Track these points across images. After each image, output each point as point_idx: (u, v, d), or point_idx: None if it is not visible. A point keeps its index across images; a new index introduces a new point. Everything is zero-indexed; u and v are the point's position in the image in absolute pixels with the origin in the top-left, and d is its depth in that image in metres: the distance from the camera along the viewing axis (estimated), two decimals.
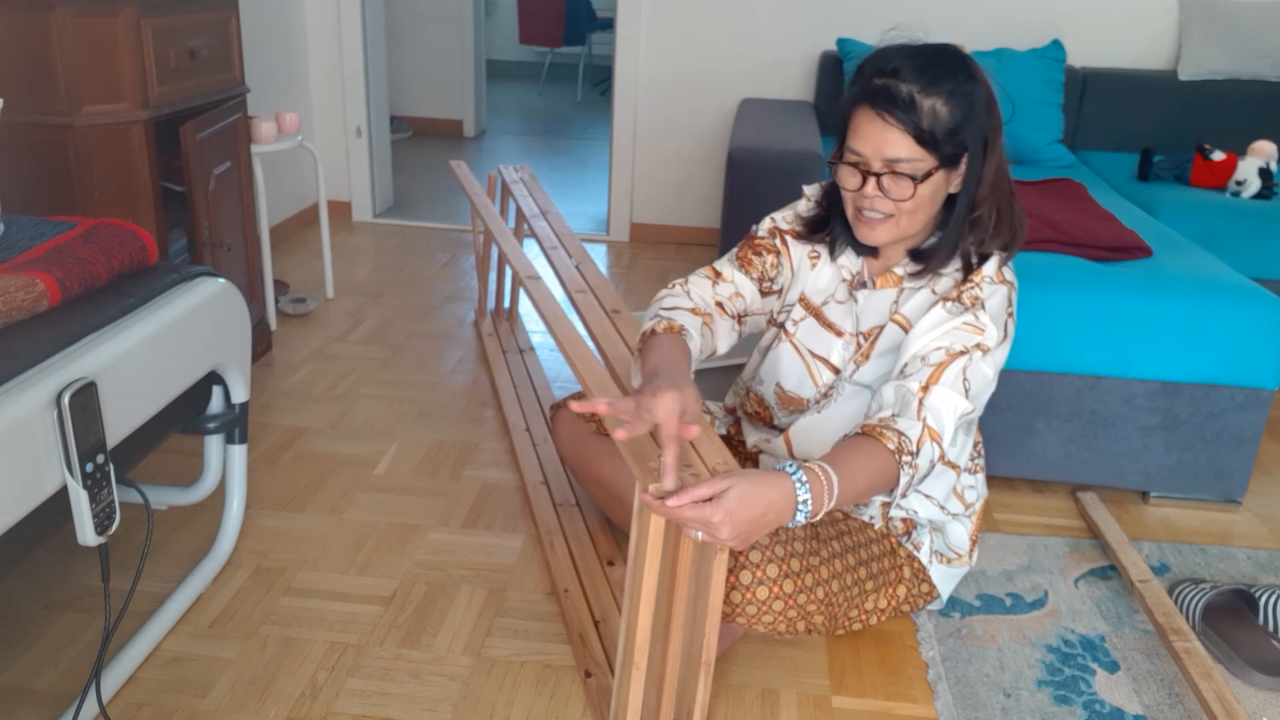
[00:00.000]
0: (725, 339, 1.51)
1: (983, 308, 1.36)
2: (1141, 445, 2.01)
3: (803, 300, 1.55)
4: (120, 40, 2.05)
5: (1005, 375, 1.98)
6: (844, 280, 1.51)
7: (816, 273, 1.54)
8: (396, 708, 1.45)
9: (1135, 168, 3.05)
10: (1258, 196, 2.79)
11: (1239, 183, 2.81)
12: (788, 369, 1.56)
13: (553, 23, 6.87)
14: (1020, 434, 2.03)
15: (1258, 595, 1.68)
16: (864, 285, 1.49)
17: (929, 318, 1.37)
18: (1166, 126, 3.25)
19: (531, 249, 3.52)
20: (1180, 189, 2.88)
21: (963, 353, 1.33)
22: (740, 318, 1.54)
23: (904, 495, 1.28)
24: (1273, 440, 2.39)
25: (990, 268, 1.39)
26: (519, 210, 2.49)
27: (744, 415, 1.71)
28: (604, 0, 7.16)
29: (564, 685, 1.51)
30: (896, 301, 1.46)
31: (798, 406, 1.56)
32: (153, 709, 1.43)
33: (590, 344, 1.60)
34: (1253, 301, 1.91)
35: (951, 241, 1.40)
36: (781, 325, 1.58)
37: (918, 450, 1.26)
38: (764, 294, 1.56)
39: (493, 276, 2.99)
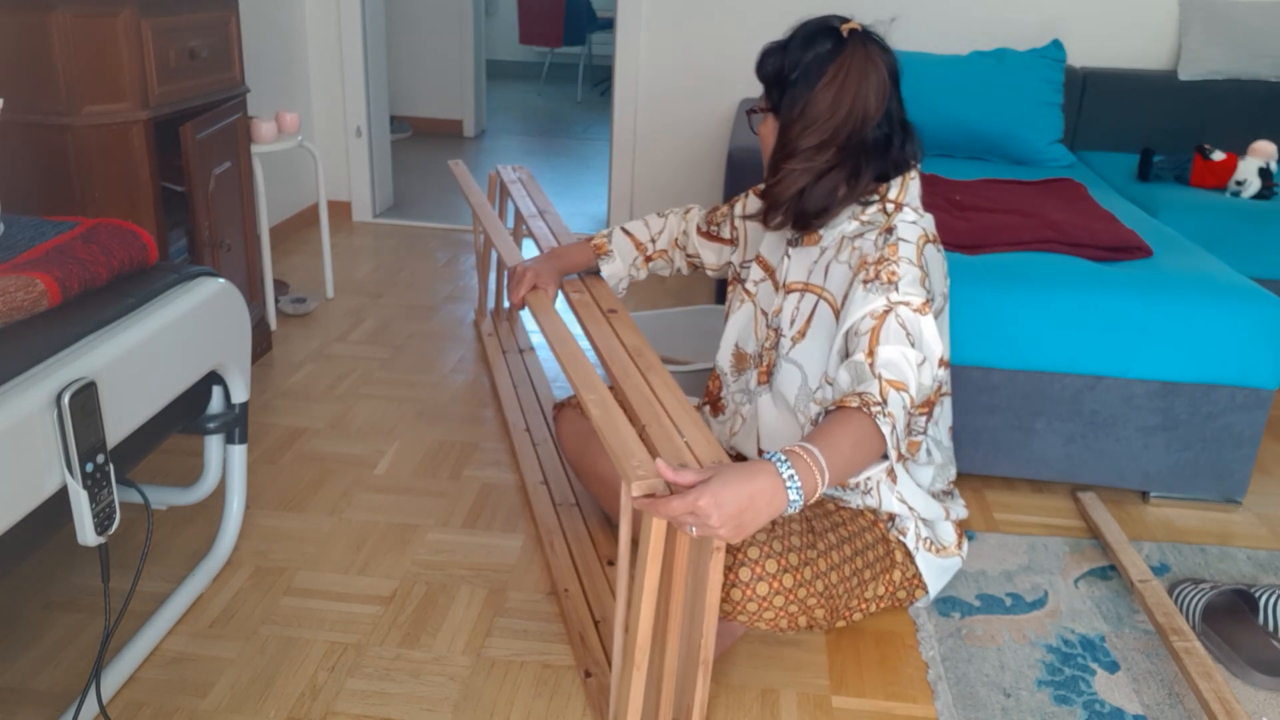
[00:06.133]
0: (665, 271, 1.89)
1: (897, 289, 1.37)
2: (1141, 445, 2.01)
3: (760, 260, 1.65)
4: (120, 40, 2.05)
5: (1005, 375, 1.98)
6: (787, 240, 1.59)
7: (767, 237, 1.65)
8: (396, 708, 1.45)
9: (1135, 168, 3.05)
10: (1258, 196, 2.79)
11: (1239, 183, 2.81)
12: (744, 328, 1.65)
13: (553, 23, 6.87)
14: (1020, 434, 2.03)
15: (1258, 595, 1.68)
16: (796, 244, 1.56)
17: (852, 300, 1.41)
18: (1166, 126, 3.25)
19: (530, 250, 3.52)
20: (1180, 189, 2.88)
21: (887, 310, 1.36)
22: (689, 255, 1.85)
23: (899, 454, 1.28)
24: (1273, 440, 2.39)
25: (907, 248, 1.42)
26: (517, 210, 2.49)
27: (706, 411, 1.77)
28: (604, 0, 7.16)
29: (564, 685, 1.51)
30: (817, 261, 1.52)
31: (744, 365, 1.66)
32: (153, 709, 1.43)
33: (586, 344, 1.61)
34: (1253, 301, 1.91)
35: (796, 187, 1.44)
36: (743, 283, 1.68)
37: (884, 400, 1.26)
38: (704, 236, 1.81)
39: (493, 276, 2.99)
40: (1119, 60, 3.39)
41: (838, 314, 1.46)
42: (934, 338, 1.36)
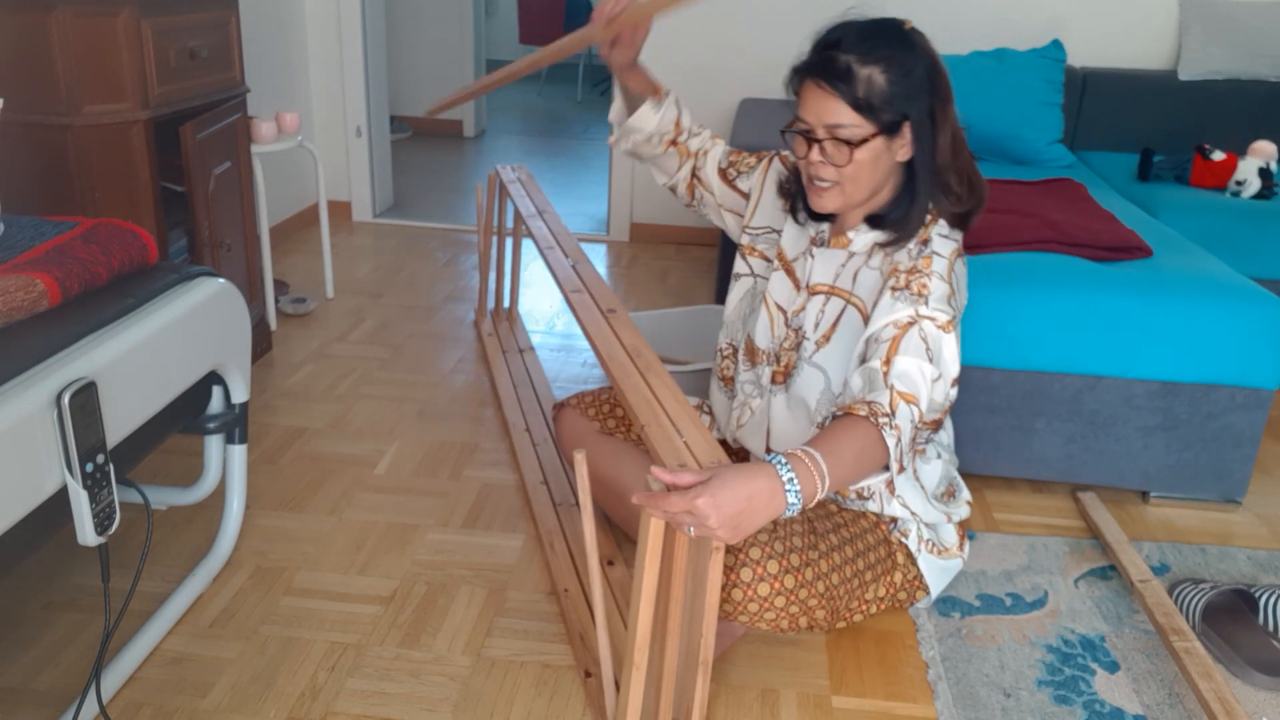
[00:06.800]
0: (668, 166, 1.74)
1: (926, 303, 1.37)
2: (1141, 445, 2.00)
3: (779, 254, 1.60)
4: (120, 40, 2.05)
5: (1005, 375, 1.98)
6: (810, 237, 1.56)
7: (789, 225, 1.60)
8: (396, 708, 1.45)
9: (1135, 168, 3.05)
10: (1258, 196, 2.79)
11: (1239, 183, 2.81)
12: (762, 322, 1.60)
13: (553, 23, 6.87)
14: (1020, 434, 2.03)
15: (1258, 595, 1.68)
16: (823, 244, 1.53)
17: (880, 307, 1.39)
18: (1166, 126, 3.25)
19: (529, 250, 3.52)
20: (1180, 189, 2.88)
21: (911, 323, 1.35)
22: (696, 171, 1.72)
23: (901, 466, 1.28)
24: (1273, 440, 2.39)
25: (940, 263, 1.41)
26: (516, 210, 2.49)
27: (717, 380, 1.74)
28: None
29: (564, 685, 1.51)
30: (845, 265, 1.49)
31: (756, 360, 1.61)
32: (153, 709, 1.43)
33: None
34: (1253, 301, 1.91)
35: (919, 209, 1.42)
36: (756, 275, 1.65)
37: (893, 412, 1.26)
38: (723, 177, 1.70)
39: (493, 276, 2.99)
40: (1119, 60, 3.39)
41: (867, 320, 1.44)
42: (953, 357, 1.36)
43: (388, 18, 5.22)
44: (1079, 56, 3.38)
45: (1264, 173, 2.79)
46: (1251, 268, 2.57)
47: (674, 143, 1.70)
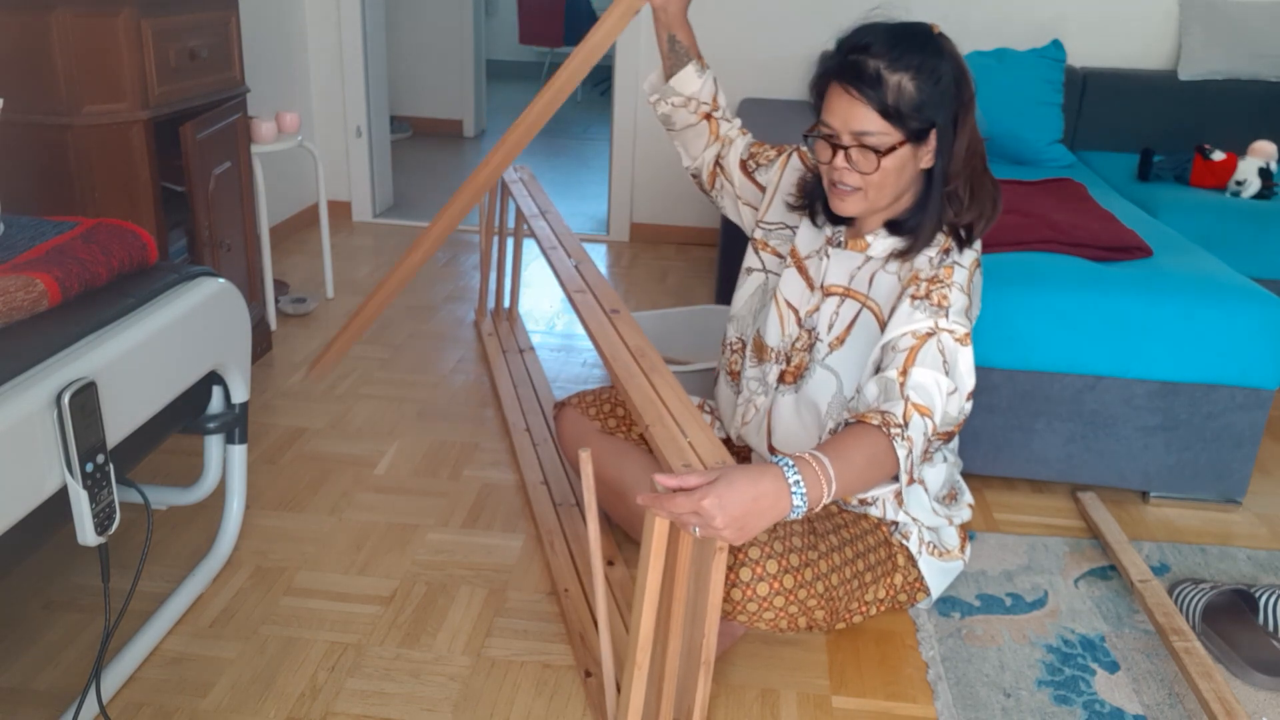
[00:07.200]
0: (695, 143, 1.71)
1: (946, 315, 1.36)
2: (1141, 445, 2.01)
3: (792, 252, 1.59)
4: (120, 40, 2.05)
5: (1005, 375, 1.98)
6: (826, 237, 1.55)
7: (804, 223, 1.58)
8: (396, 708, 1.45)
9: (1135, 168, 3.05)
10: (1258, 196, 2.79)
11: (1239, 183, 2.81)
12: (772, 319, 1.59)
13: (553, 23, 6.87)
14: (1020, 434, 2.03)
15: (1258, 595, 1.68)
16: (839, 245, 1.52)
17: (897, 314, 1.38)
18: (1166, 126, 3.25)
19: (530, 249, 3.52)
20: (1180, 189, 2.88)
21: (930, 334, 1.34)
22: (719, 157, 1.70)
23: (911, 478, 1.27)
24: (1273, 440, 2.39)
25: (961, 274, 1.40)
26: (519, 210, 2.49)
27: (724, 374, 1.73)
28: (604, 0, 7.16)
29: (564, 685, 1.51)
30: (861, 268, 1.48)
31: (764, 357, 1.60)
32: (153, 709, 1.43)
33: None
34: (1253, 301, 1.91)
35: (932, 216, 1.41)
36: (766, 269, 1.64)
37: (906, 423, 1.26)
38: (743, 169, 1.68)
39: (493, 276, 2.99)
40: (1119, 60, 3.39)
41: (883, 324, 1.43)
42: (969, 370, 1.35)
43: (388, 18, 5.22)
44: (1079, 56, 3.38)
45: (1264, 173, 2.79)
46: (1251, 268, 2.57)
47: (709, 116, 1.67)
